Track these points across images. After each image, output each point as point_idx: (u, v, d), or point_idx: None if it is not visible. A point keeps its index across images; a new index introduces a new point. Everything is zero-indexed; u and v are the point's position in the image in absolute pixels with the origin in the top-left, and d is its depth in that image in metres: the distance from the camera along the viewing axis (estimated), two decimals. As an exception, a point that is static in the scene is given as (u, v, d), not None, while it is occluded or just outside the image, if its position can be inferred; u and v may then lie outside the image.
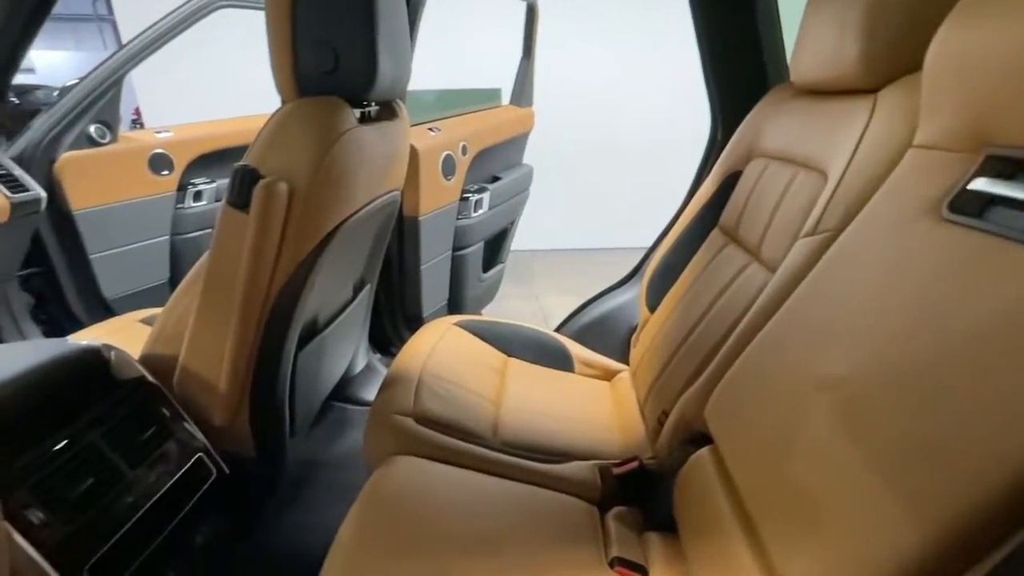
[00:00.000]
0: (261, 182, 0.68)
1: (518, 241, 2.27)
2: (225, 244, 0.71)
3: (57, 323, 1.76)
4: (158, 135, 1.97)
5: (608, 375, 1.21)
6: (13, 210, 1.36)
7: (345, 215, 0.83)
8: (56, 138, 1.63)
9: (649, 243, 1.41)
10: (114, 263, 1.81)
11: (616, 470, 0.83)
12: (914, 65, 0.56)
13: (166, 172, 1.95)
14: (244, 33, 2.90)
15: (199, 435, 0.78)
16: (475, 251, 1.88)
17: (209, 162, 2.08)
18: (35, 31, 1.30)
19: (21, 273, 1.64)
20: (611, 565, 0.67)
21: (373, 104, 0.91)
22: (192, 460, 0.75)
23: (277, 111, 0.74)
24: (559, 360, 1.21)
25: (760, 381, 0.61)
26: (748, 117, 1.00)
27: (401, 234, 1.57)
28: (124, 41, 3.70)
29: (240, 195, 0.68)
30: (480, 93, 2.14)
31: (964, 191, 0.46)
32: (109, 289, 1.80)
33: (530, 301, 3.16)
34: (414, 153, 1.46)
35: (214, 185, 2.10)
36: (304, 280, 0.80)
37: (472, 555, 0.64)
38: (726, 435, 0.65)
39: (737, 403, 0.64)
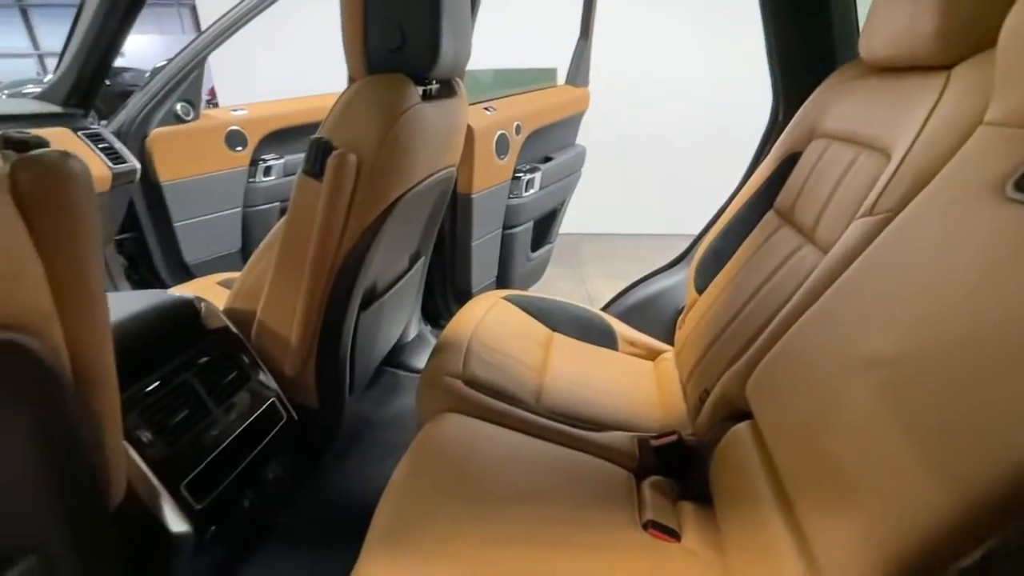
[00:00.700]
0: (333, 153, 0.74)
1: (567, 224, 2.28)
2: (300, 210, 0.78)
3: (145, 283, 1.95)
4: (234, 113, 2.11)
5: (652, 355, 1.22)
6: (114, 179, 1.52)
7: (406, 187, 0.89)
8: (148, 115, 1.79)
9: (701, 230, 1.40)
10: (194, 231, 1.98)
11: (654, 442, 0.86)
12: (990, 41, 0.53)
13: (240, 148, 2.09)
14: (309, 16, 3.02)
15: (272, 383, 0.87)
16: (525, 230, 1.92)
17: (278, 139, 2.21)
18: (133, 21, 1.43)
19: (117, 237, 1.83)
20: (644, 527, 0.70)
21: (434, 82, 0.95)
22: (266, 404, 0.84)
23: (348, 87, 0.80)
24: (603, 338, 1.24)
25: (804, 358, 0.61)
26: (812, 97, 0.97)
27: (454, 211, 1.62)
28: (202, 25, 3.92)
29: (315, 165, 0.75)
30: (536, 73, 2.15)
31: (1033, 170, 0.45)
32: (190, 254, 1.98)
33: (577, 284, 3.17)
34: (469, 132, 1.50)
35: (282, 161, 2.23)
36: (368, 246, 0.86)
37: (512, 505, 0.69)
38: (766, 410, 0.66)
39: (779, 379, 0.65)
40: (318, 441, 1.01)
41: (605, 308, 1.51)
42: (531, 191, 1.88)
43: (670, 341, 1.23)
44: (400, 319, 1.36)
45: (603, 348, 1.22)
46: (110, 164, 1.51)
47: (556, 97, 2.06)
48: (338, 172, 0.74)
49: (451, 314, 1.37)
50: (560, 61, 2.17)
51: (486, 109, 1.68)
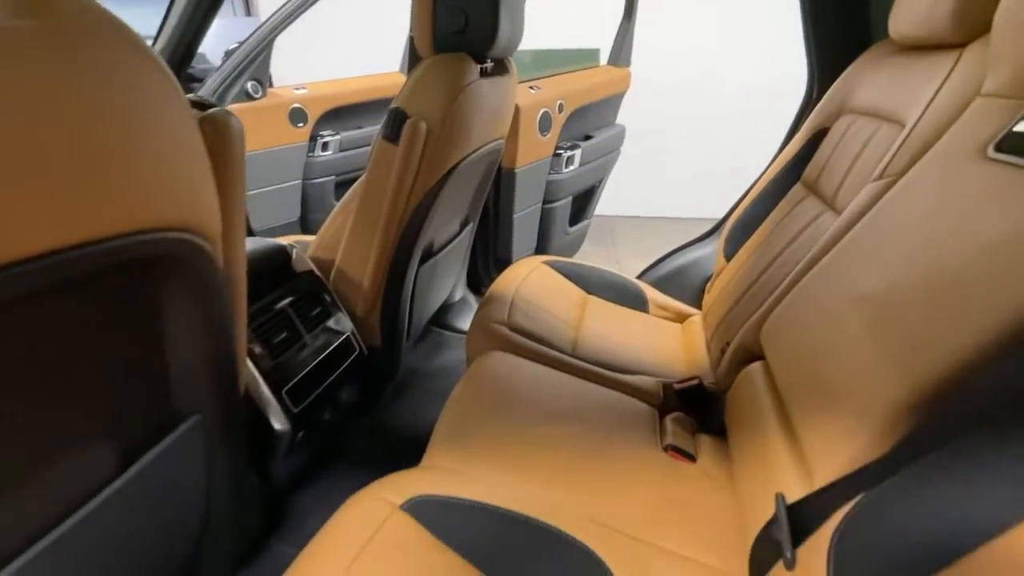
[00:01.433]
0: (408, 121, 0.87)
1: (602, 206, 2.36)
2: (377, 170, 0.91)
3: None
4: (296, 91, 2.28)
5: (680, 318, 1.32)
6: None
7: (463, 154, 1.01)
8: (223, 94, 1.97)
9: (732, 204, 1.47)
10: (261, 201, 2.17)
11: (677, 386, 0.96)
12: (997, 21, 0.60)
13: (301, 124, 2.26)
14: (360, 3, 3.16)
15: (347, 321, 1.02)
16: (563, 205, 2.01)
17: (335, 116, 2.37)
18: (215, 14, 1.60)
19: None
20: (664, 449, 0.82)
21: (490, 61, 1.06)
22: (342, 338, 1.00)
23: (420, 64, 0.92)
24: (635, 301, 1.34)
25: (810, 302, 0.70)
26: (844, 75, 1.03)
27: (498, 184, 1.74)
28: (252, 8, 4.11)
29: (392, 130, 0.88)
30: (579, 53, 2.22)
31: (1010, 132, 0.52)
32: (256, 222, 2.17)
33: (611, 264, 3.24)
34: (515, 110, 1.60)
35: (338, 137, 2.40)
36: (429, 206, 0.99)
37: (548, 423, 0.82)
38: (776, 350, 0.75)
39: (789, 322, 0.74)
40: (379, 377, 1.16)
41: (639, 276, 1.60)
42: (571, 168, 1.98)
43: (699, 307, 1.32)
44: (449, 279, 1.50)
45: (635, 311, 1.32)
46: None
47: (598, 77, 2.13)
48: (411, 137, 0.87)
49: (491, 281, 1.49)
50: (604, 42, 2.23)
51: (531, 88, 1.77)
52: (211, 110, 0.53)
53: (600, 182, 2.23)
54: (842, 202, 0.86)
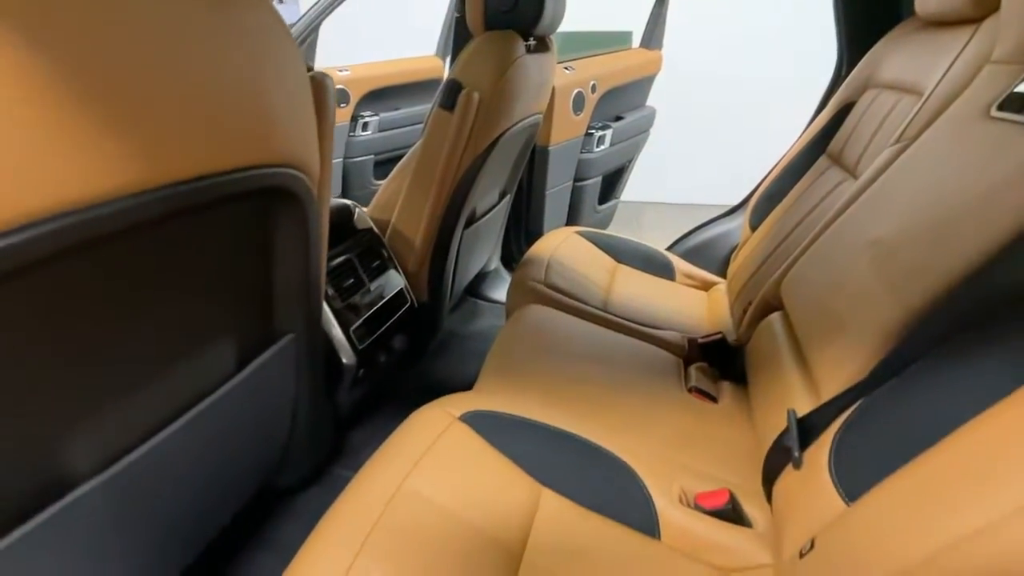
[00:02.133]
0: (463, 91, 0.96)
1: (630, 192, 2.42)
2: (433, 136, 1.01)
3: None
4: (340, 73, 2.39)
5: (706, 286, 1.39)
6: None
7: (508, 125, 1.10)
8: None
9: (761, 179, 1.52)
10: (305, 177, 2.30)
11: (701, 340, 1.05)
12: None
13: (343, 104, 2.38)
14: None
15: (401, 275, 1.13)
16: (593, 183, 2.09)
17: (375, 98, 2.49)
18: None
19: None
20: (689, 391, 0.90)
21: (534, 39, 1.14)
22: (397, 290, 1.11)
23: (473, 40, 1.01)
24: (663, 270, 1.41)
25: (827, 253, 0.78)
26: (871, 50, 1.08)
27: (532, 160, 1.82)
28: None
29: (448, 99, 0.97)
30: (612, 36, 2.27)
31: (1012, 94, 0.59)
32: (302, 197, 2.30)
33: (637, 247, 3.29)
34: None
35: (378, 117, 2.51)
36: (476, 173, 1.09)
37: (584, 365, 0.91)
38: (793, 299, 0.83)
39: (806, 273, 0.82)
40: (426, 329, 1.27)
41: (668, 248, 1.67)
42: (602, 147, 2.05)
43: (724, 277, 1.39)
44: (487, 247, 1.60)
45: (662, 278, 1.40)
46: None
47: (630, 59, 2.19)
48: (465, 106, 0.96)
49: (523, 255, 1.59)
50: (637, 24, 2.28)
51: (566, 68, 1.84)
52: (313, 71, 0.63)
53: (630, 162, 2.29)
54: (862, 169, 0.92)
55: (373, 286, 1.04)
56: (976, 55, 0.72)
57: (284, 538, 0.91)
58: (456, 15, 1.54)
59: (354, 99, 2.41)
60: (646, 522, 0.66)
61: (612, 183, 2.26)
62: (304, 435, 0.80)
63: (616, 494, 0.68)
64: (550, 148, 1.81)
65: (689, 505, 0.69)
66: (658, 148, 2.52)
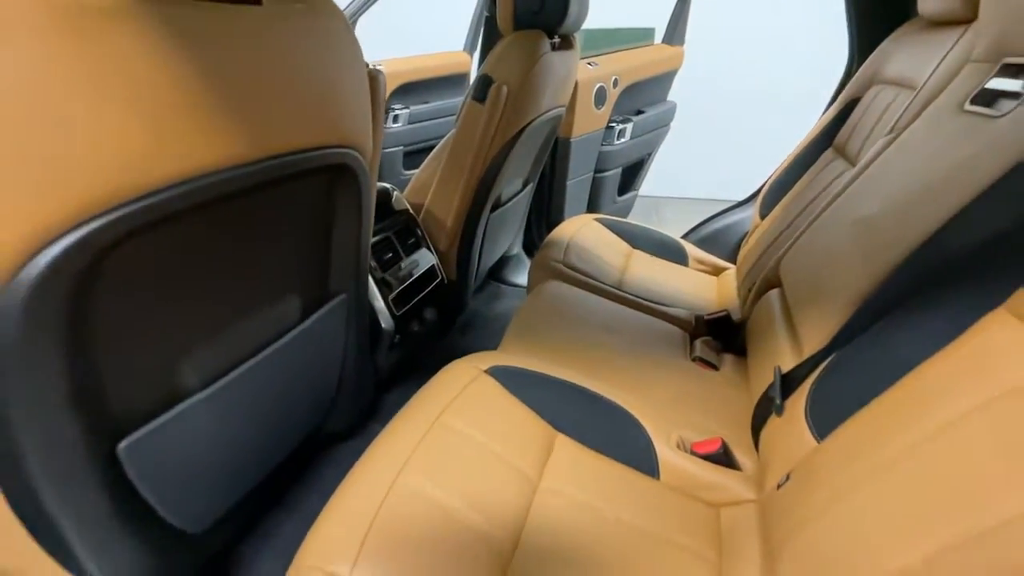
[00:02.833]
0: (493, 85, 1.06)
1: (650, 186, 2.48)
2: (466, 126, 1.12)
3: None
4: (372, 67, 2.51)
5: (717, 271, 1.47)
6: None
7: (533, 116, 1.19)
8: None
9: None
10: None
11: (707, 317, 1.13)
12: None
13: (376, 98, 2.50)
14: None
15: (433, 253, 1.25)
16: (613, 175, 2.17)
17: (406, 91, 2.60)
18: None
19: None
20: (693, 360, 0.99)
21: (558, 37, 1.24)
22: (429, 266, 1.22)
23: (504, 38, 1.11)
24: (676, 255, 1.50)
25: (820, 234, 0.86)
26: (878, 49, 1.15)
27: (555, 151, 1.91)
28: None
29: (480, 92, 1.08)
30: (635, 32, 2.35)
31: (983, 89, 0.66)
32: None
33: (656, 239, 3.35)
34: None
35: (408, 110, 2.63)
36: (503, 160, 1.19)
37: (598, 334, 1.01)
38: (789, 275, 0.91)
39: (802, 252, 0.90)
40: (453, 304, 1.38)
41: (683, 237, 1.75)
42: (622, 140, 2.12)
43: (735, 263, 1.46)
44: (510, 231, 1.70)
45: (675, 263, 1.48)
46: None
47: (651, 55, 2.25)
48: (495, 98, 1.06)
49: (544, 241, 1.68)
50: (660, 21, 2.34)
51: (589, 64, 1.93)
52: (369, 67, 0.74)
53: (649, 155, 2.36)
54: (860, 159, 0.99)
55: (408, 261, 1.16)
56: (961, 54, 0.79)
57: (325, 480, 1.03)
58: (486, 15, 1.64)
59: (387, 93, 2.53)
60: (647, 464, 0.76)
61: (631, 175, 2.33)
62: (349, 386, 0.92)
63: (622, 440, 0.78)
64: (572, 140, 1.90)
65: (686, 451, 0.78)
66: (679, 144, 2.58)
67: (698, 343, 1.05)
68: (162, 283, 0.53)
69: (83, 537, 0.52)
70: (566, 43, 1.29)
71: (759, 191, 1.69)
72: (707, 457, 0.77)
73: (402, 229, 1.17)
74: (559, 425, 0.78)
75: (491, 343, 1.09)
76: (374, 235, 1.08)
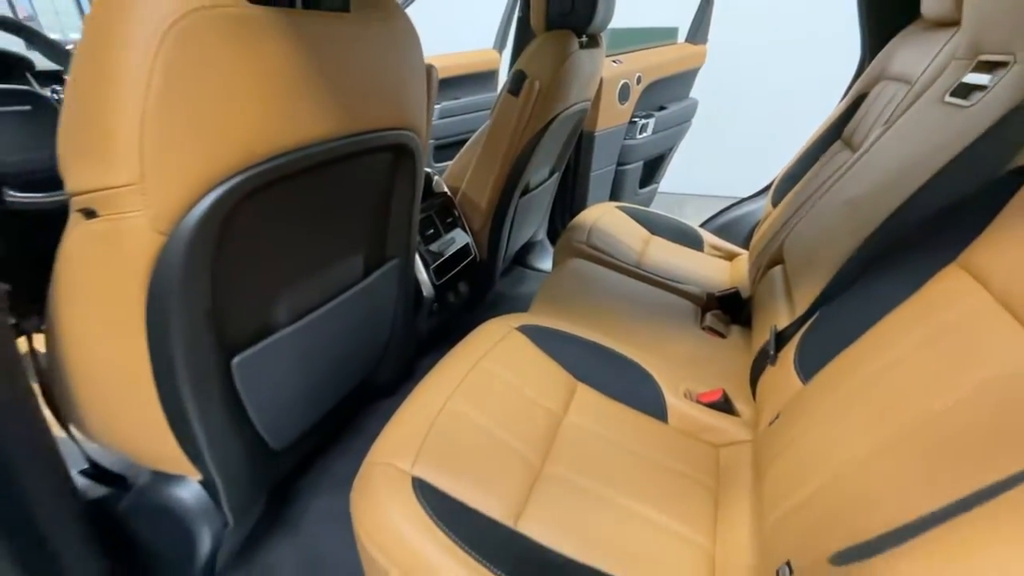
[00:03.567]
0: (527, 79, 1.18)
1: (673, 184, 2.57)
2: (501, 117, 1.24)
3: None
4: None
5: (730, 256, 1.56)
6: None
7: (561, 109, 1.31)
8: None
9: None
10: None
11: (718, 293, 1.23)
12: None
13: (410, 93, 2.64)
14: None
15: (468, 232, 1.38)
16: (635, 168, 2.27)
17: (439, 87, 2.74)
18: None
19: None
20: (702, 329, 1.10)
21: (586, 36, 1.35)
22: (464, 244, 1.35)
23: (536, 38, 1.23)
24: (692, 241, 1.60)
25: (818, 214, 0.96)
26: (886, 47, 1.23)
27: (579, 144, 2.02)
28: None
29: (515, 86, 1.20)
30: (659, 31, 2.44)
31: (960, 84, 0.76)
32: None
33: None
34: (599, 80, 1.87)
35: (439, 106, 2.76)
36: (532, 149, 1.31)
37: (616, 303, 1.12)
38: (790, 253, 1.01)
39: (802, 232, 1.00)
40: (483, 280, 1.51)
41: (701, 225, 1.85)
42: (644, 135, 2.22)
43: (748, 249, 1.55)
44: (536, 217, 1.82)
45: (691, 249, 1.58)
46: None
47: (674, 53, 2.34)
48: (528, 92, 1.18)
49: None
50: (684, 20, 2.43)
51: (614, 61, 2.03)
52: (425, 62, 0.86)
53: (670, 150, 2.45)
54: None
55: (446, 238, 1.29)
56: (950, 52, 0.88)
57: (371, 428, 1.16)
58: (519, 15, 1.76)
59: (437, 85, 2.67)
60: (657, 410, 0.87)
61: (652, 168, 2.42)
62: (397, 340, 1.05)
63: (635, 390, 0.90)
64: (596, 133, 2.01)
65: (692, 400, 0.89)
66: (703, 141, 2.66)
67: (708, 315, 1.16)
68: (267, 235, 0.66)
69: (208, 440, 0.66)
70: (593, 42, 1.40)
71: (773, 182, 1.78)
72: (710, 405, 0.88)
73: (441, 209, 1.30)
74: (580, 375, 0.90)
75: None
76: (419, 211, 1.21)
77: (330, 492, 1.02)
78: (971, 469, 0.40)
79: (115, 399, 0.62)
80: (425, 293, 1.18)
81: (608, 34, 2.34)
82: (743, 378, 0.93)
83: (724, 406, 0.87)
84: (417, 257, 1.16)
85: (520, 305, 1.79)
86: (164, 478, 0.71)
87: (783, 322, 0.85)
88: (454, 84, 2.79)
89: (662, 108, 2.31)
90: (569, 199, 2.15)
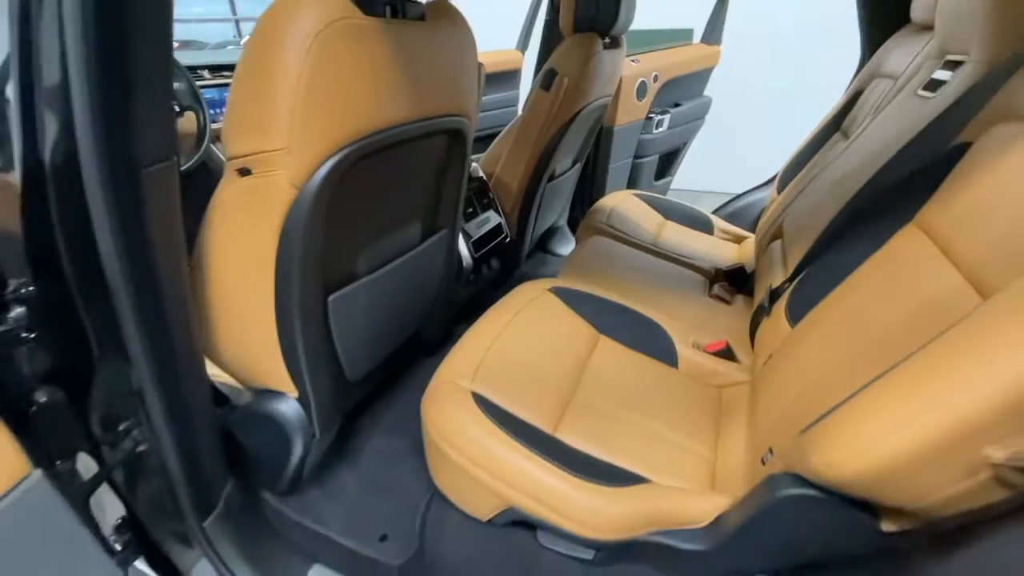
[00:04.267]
0: (557, 76, 1.34)
1: (688, 181, 2.70)
2: (533, 110, 1.40)
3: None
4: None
5: (739, 240, 1.71)
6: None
7: (585, 103, 1.47)
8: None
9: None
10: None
11: (725, 268, 1.38)
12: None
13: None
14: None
15: (500, 214, 1.54)
16: (651, 161, 2.41)
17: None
18: None
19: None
20: (710, 296, 1.25)
21: (609, 38, 1.50)
22: (496, 223, 1.51)
23: (565, 39, 1.38)
24: (703, 226, 1.74)
25: (811, 194, 1.10)
26: (880, 48, 1.36)
27: (599, 138, 2.17)
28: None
29: (546, 81, 1.36)
30: (675, 32, 2.58)
31: (930, 79, 0.90)
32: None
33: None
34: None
35: (465, 102, 2.93)
36: (560, 138, 1.46)
37: (633, 273, 1.27)
38: (786, 228, 1.16)
39: (797, 209, 1.14)
40: (512, 258, 1.67)
41: (713, 212, 1.99)
42: (660, 130, 2.36)
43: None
44: (560, 203, 1.98)
45: (702, 233, 1.72)
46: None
47: (690, 53, 2.48)
48: (558, 87, 1.34)
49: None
50: (698, 22, 2.56)
51: (632, 61, 2.17)
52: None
53: (685, 144, 2.58)
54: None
55: (482, 217, 1.45)
56: (927, 52, 1.02)
57: (417, 381, 1.33)
58: (547, 19, 1.92)
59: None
60: (668, 358, 1.03)
61: (668, 162, 2.56)
62: (441, 302, 1.22)
63: (649, 341, 1.05)
64: (615, 128, 2.16)
65: (699, 350, 1.04)
66: (719, 139, 2.79)
67: (716, 286, 1.31)
68: (359, 199, 0.83)
69: (307, 362, 0.83)
70: (615, 43, 1.55)
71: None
72: (715, 353, 1.03)
73: (478, 191, 1.46)
74: (603, 329, 1.06)
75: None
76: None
77: (383, 434, 1.19)
78: (889, 363, 0.55)
79: (243, 325, 0.79)
80: (464, 264, 1.34)
81: (628, 35, 2.49)
82: (744, 334, 1.08)
83: (727, 354, 1.02)
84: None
85: (543, 285, 1.95)
86: (268, 395, 0.87)
87: (777, 282, 1.00)
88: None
89: (677, 105, 2.45)
90: (589, 189, 2.30)
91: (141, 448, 0.71)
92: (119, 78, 0.50)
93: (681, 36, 2.57)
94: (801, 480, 0.58)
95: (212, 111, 1.21)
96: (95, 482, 0.68)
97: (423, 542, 0.91)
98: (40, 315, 0.58)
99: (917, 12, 1.16)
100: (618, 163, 2.28)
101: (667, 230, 1.67)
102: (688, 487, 0.75)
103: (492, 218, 1.51)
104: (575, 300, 1.10)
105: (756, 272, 1.26)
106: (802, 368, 0.75)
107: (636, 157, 2.37)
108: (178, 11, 0.58)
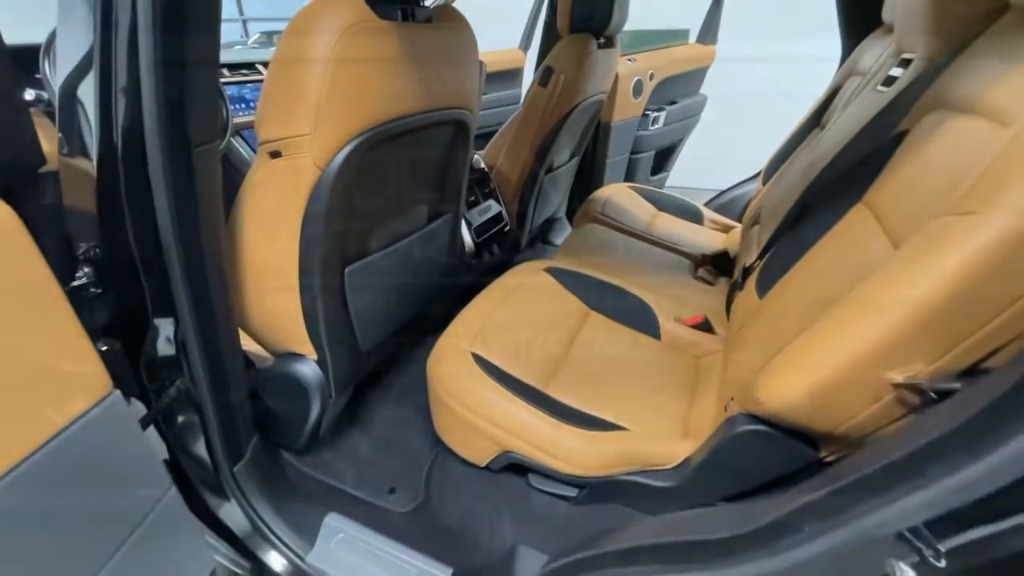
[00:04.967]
0: (554, 73, 1.44)
1: (686, 179, 2.79)
2: (531, 105, 1.50)
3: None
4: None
5: (726, 229, 1.80)
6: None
7: (581, 99, 1.56)
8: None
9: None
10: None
11: (710, 253, 1.48)
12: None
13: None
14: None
15: (500, 203, 1.64)
16: (647, 157, 2.51)
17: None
18: None
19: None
20: (695, 278, 1.35)
21: (603, 38, 1.60)
22: (496, 212, 1.62)
23: (562, 39, 1.48)
24: (693, 217, 1.84)
25: (785, 179, 1.20)
26: (857, 47, 1.46)
27: (596, 133, 2.27)
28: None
29: (544, 78, 1.46)
30: (672, 33, 2.67)
31: (888, 76, 0.99)
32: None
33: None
34: (615, 76, 2.12)
35: (469, 100, 3.03)
36: (557, 132, 1.56)
37: (624, 256, 1.37)
38: (764, 212, 1.25)
39: (773, 195, 1.24)
40: (511, 246, 1.77)
41: (705, 204, 2.09)
42: (656, 126, 2.46)
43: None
44: (558, 195, 2.08)
45: (693, 223, 1.82)
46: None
47: (685, 53, 2.57)
48: (555, 84, 1.44)
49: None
50: (695, 22, 2.65)
51: (629, 59, 2.27)
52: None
53: (680, 141, 2.68)
54: (831, 132, 1.32)
55: (483, 205, 1.56)
56: (891, 51, 1.11)
57: (420, 358, 1.43)
58: (546, 20, 2.02)
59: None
60: (652, 330, 1.12)
61: (663, 158, 2.66)
62: (447, 280, 1.32)
63: (635, 315, 1.15)
64: (612, 124, 2.25)
65: (680, 323, 1.14)
66: (716, 138, 2.88)
67: (701, 269, 1.40)
68: (373, 181, 0.93)
69: (326, 327, 0.93)
70: (609, 43, 1.65)
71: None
72: (694, 326, 1.12)
73: (479, 181, 1.57)
74: (593, 305, 1.16)
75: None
76: (462, 182, 1.48)
77: (391, 403, 1.29)
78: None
79: (271, 291, 0.90)
80: (467, 248, 1.45)
81: (626, 35, 2.58)
82: (723, 310, 1.18)
83: (705, 327, 1.12)
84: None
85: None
86: (290, 357, 0.98)
87: (750, 261, 1.10)
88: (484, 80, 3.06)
89: (673, 103, 2.54)
90: (587, 182, 2.39)
91: (184, 396, 0.82)
92: (179, 75, 0.61)
93: (677, 36, 2.66)
94: (752, 418, 0.68)
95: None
96: (145, 423, 0.79)
97: (428, 492, 1.01)
98: (105, 274, 0.69)
99: (887, 14, 1.26)
100: (615, 158, 2.37)
101: (659, 220, 1.76)
102: (662, 436, 0.85)
103: (493, 207, 1.62)
104: (568, 279, 1.20)
105: (737, 256, 1.36)
106: (764, 331, 0.85)
107: (633, 152, 2.46)
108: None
